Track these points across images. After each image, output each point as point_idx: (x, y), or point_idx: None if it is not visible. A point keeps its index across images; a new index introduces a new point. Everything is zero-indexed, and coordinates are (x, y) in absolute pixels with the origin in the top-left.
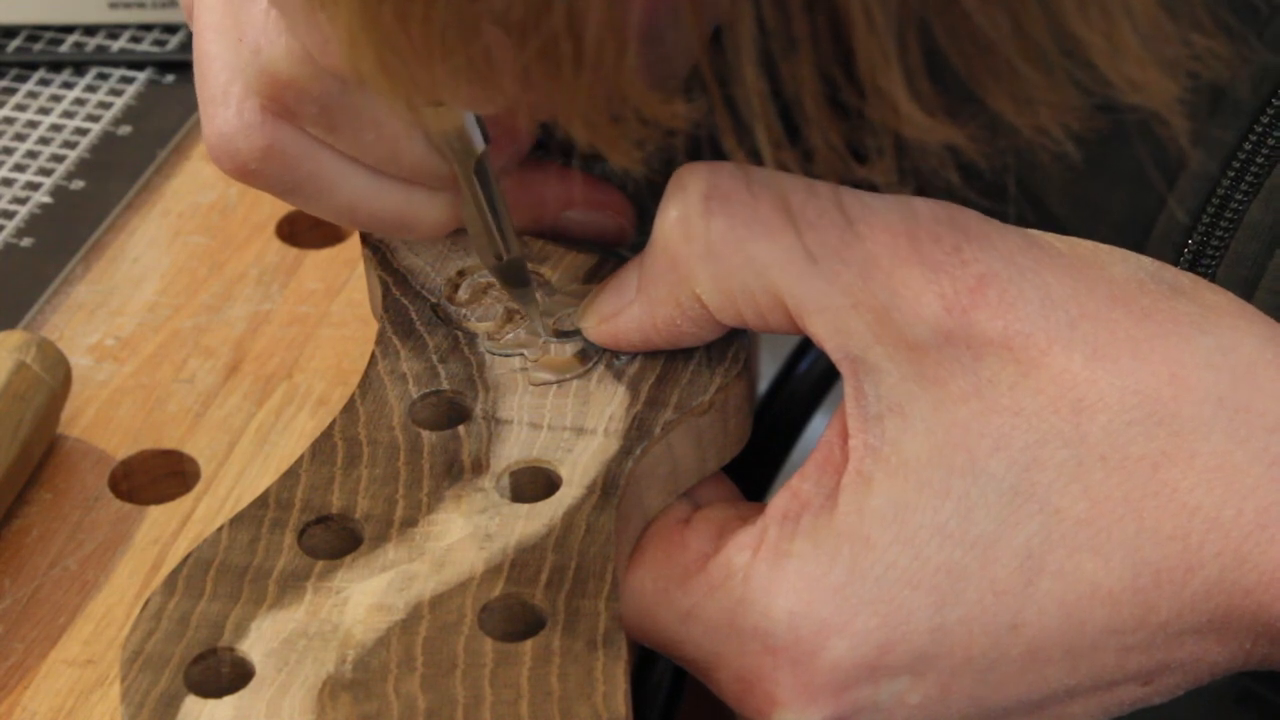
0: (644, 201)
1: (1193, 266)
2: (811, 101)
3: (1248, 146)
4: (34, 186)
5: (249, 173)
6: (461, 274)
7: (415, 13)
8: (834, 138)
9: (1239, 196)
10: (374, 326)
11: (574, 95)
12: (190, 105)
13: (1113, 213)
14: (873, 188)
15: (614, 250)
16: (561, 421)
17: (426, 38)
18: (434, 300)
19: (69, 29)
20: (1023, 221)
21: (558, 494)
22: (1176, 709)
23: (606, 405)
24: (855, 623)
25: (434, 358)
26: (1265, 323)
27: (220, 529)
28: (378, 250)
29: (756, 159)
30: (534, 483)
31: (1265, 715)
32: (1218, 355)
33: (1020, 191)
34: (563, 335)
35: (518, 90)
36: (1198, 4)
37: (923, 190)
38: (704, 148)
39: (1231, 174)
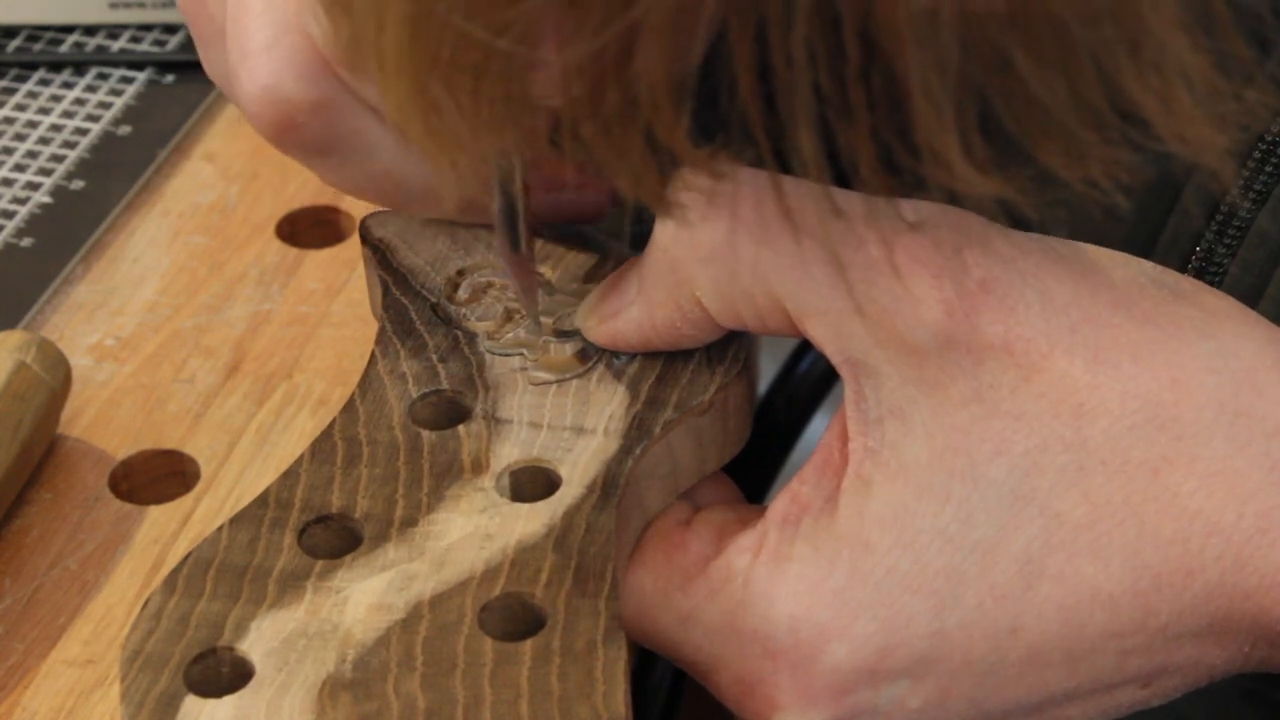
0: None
1: (1199, 275)
2: (867, 166)
3: (1257, 156)
4: (34, 186)
5: (293, 126)
6: (461, 273)
7: (463, 85)
8: (886, 195)
9: (1247, 205)
10: (374, 326)
11: (624, 155)
12: (190, 105)
13: (1128, 219)
14: None
15: (589, 227)
16: (561, 421)
17: (475, 109)
18: (434, 300)
19: (69, 29)
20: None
21: (557, 493)
22: (1181, 707)
23: (606, 405)
24: (855, 627)
25: (434, 357)
26: (1266, 327)
27: (220, 528)
28: (378, 250)
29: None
30: (534, 482)
31: (1270, 713)
32: (1219, 360)
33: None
34: (563, 335)
35: (566, 152)
36: (1249, 60)
37: None
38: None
39: (1240, 183)
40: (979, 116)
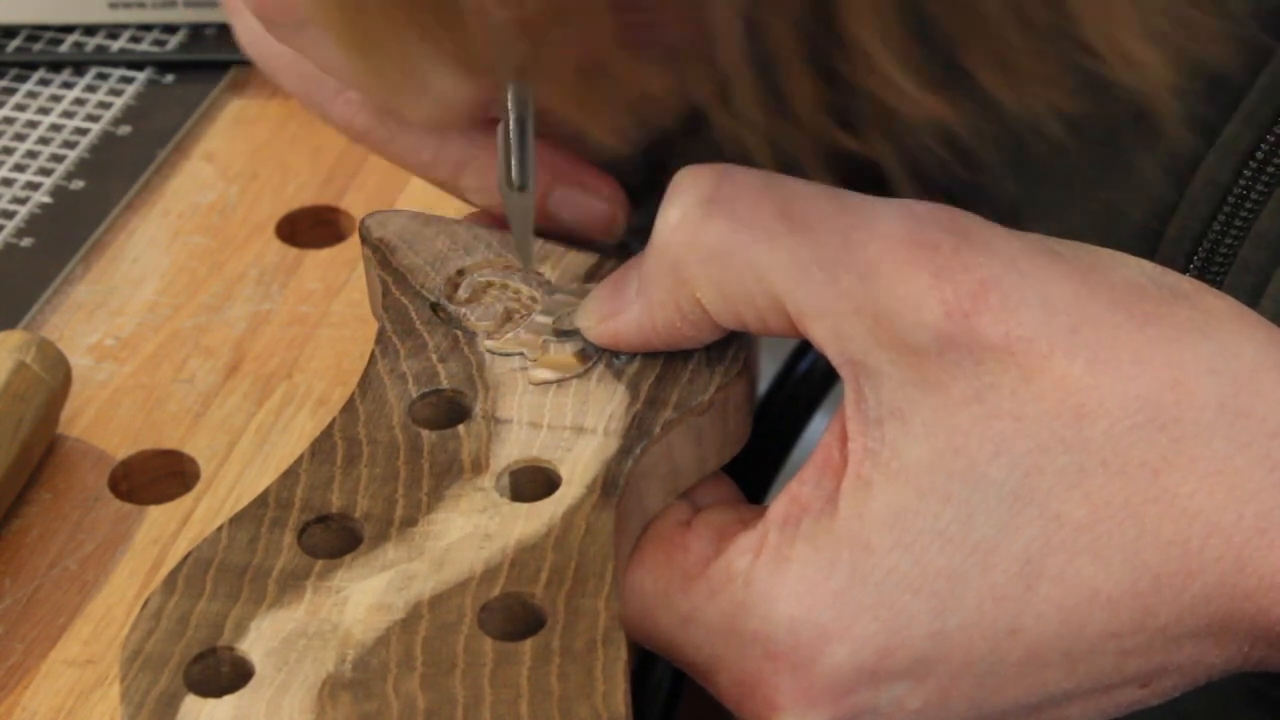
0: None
1: (1201, 275)
2: (790, 58)
3: (1260, 155)
4: (34, 186)
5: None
6: (461, 273)
7: None
8: (817, 101)
9: (1249, 205)
10: (374, 326)
11: (553, 62)
12: (190, 105)
13: (1133, 217)
14: (863, 162)
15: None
16: (561, 421)
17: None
18: (434, 299)
19: (69, 29)
20: (1033, 220)
21: (557, 493)
22: (1182, 706)
23: (606, 404)
24: (855, 628)
25: (434, 357)
26: (1267, 328)
27: (220, 528)
28: (378, 250)
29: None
30: (534, 482)
31: (1273, 712)
32: (1219, 360)
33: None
34: (563, 335)
35: (493, 59)
36: None
37: (909, 163)
38: (698, 132)
39: (1244, 182)
40: (918, 37)
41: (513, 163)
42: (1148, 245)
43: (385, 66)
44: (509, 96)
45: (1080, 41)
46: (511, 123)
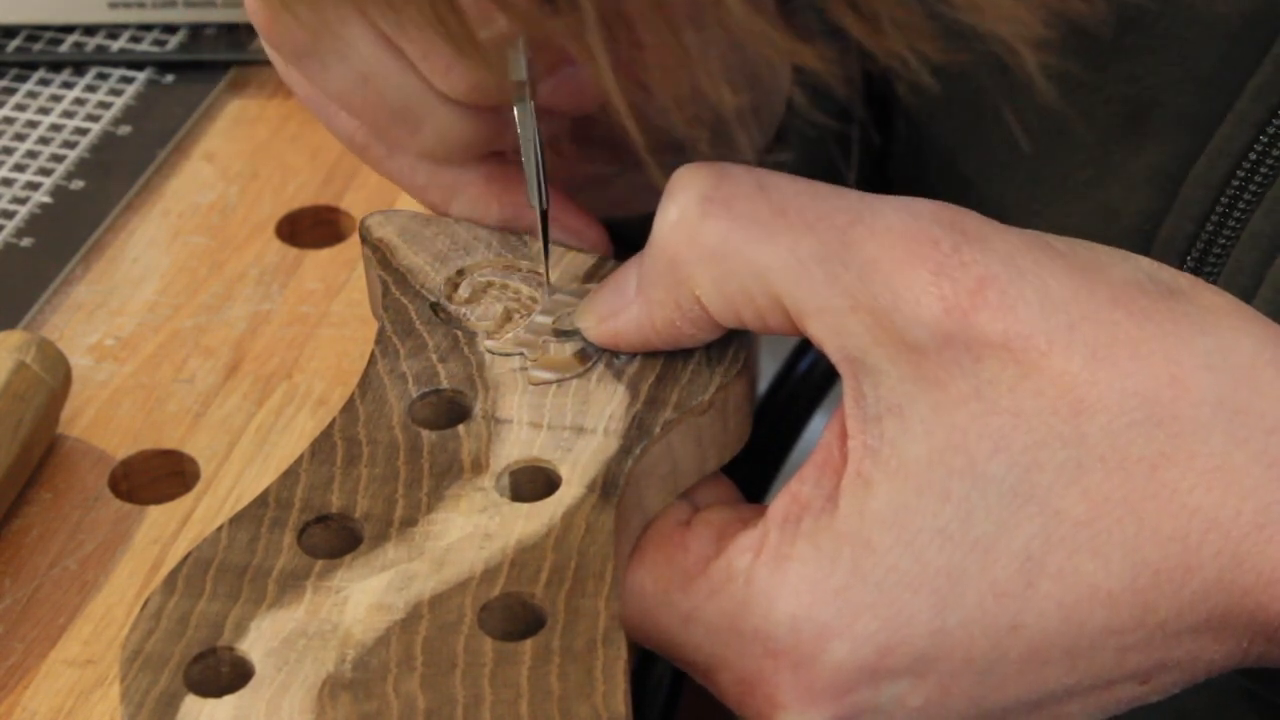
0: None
1: (1194, 274)
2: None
3: (1253, 156)
4: (34, 186)
5: (279, 18)
6: (461, 273)
7: None
8: (671, 46)
9: (1241, 205)
10: (374, 326)
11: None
12: (190, 105)
13: (1125, 218)
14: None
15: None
16: (561, 421)
17: None
18: (434, 299)
19: (69, 29)
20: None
21: (557, 493)
22: (1181, 704)
23: (606, 404)
24: (856, 626)
25: (434, 357)
26: (1264, 324)
27: (220, 528)
28: (378, 250)
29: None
30: (534, 482)
31: (1269, 711)
32: (1217, 356)
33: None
34: (562, 335)
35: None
36: None
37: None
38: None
39: (1236, 182)
40: None
41: (529, 184)
42: (1140, 246)
43: (385, 96)
44: (519, 120)
45: None
46: (522, 146)
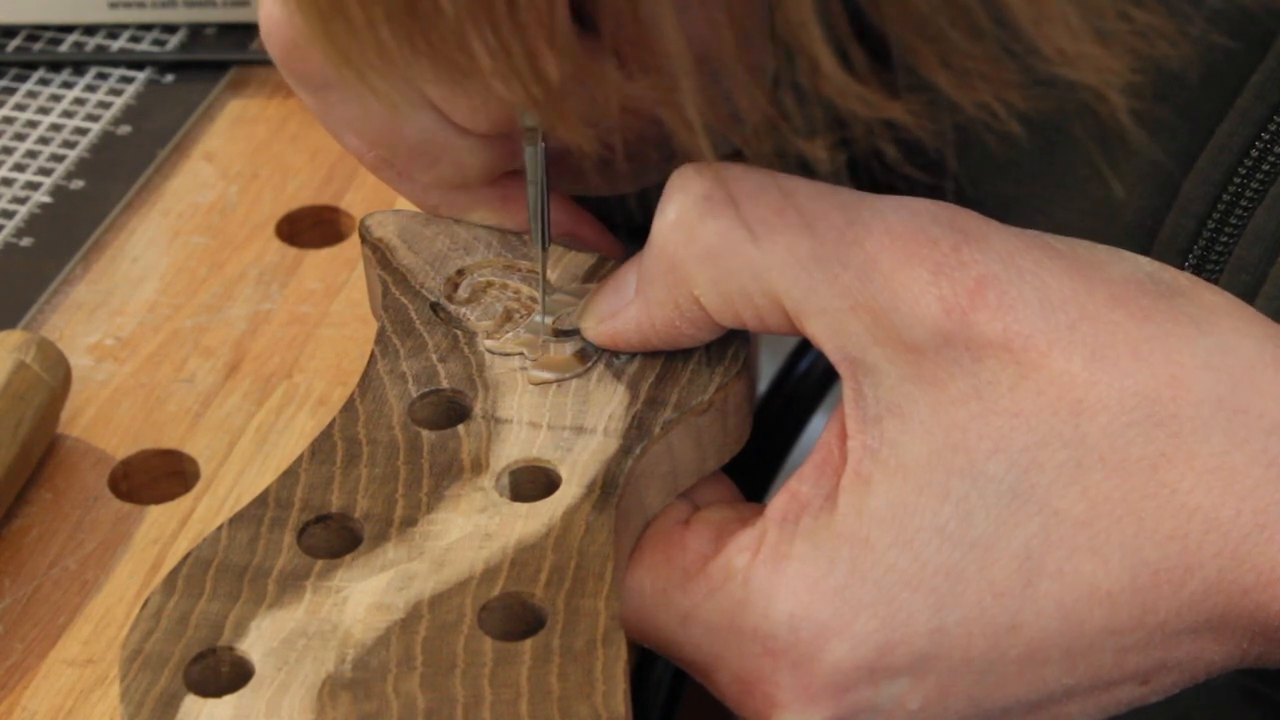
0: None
1: (1196, 273)
2: (735, 64)
3: (1254, 153)
4: (34, 186)
5: (297, 52)
6: (461, 273)
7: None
8: (761, 103)
9: (1244, 203)
10: (374, 326)
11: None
12: (190, 105)
13: (1126, 216)
14: (810, 167)
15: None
16: (561, 421)
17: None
18: (433, 299)
19: (69, 28)
20: (1027, 221)
21: (557, 493)
22: (1180, 705)
23: (606, 404)
24: (855, 625)
25: (433, 357)
26: (1264, 323)
27: (220, 528)
28: (378, 250)
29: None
30: (533, 482)
31: (1269, 711)
32: (1217, 356)
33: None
34: (562, 335)
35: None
36: None
37: (859, 164)
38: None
39: (1238, 180)
40: (868, 42)
41: (531, 226)
42: (1142, 244)
43: (405, 133)
44: (528, 161)
45: (1024, 41)
46: (528, 188)
